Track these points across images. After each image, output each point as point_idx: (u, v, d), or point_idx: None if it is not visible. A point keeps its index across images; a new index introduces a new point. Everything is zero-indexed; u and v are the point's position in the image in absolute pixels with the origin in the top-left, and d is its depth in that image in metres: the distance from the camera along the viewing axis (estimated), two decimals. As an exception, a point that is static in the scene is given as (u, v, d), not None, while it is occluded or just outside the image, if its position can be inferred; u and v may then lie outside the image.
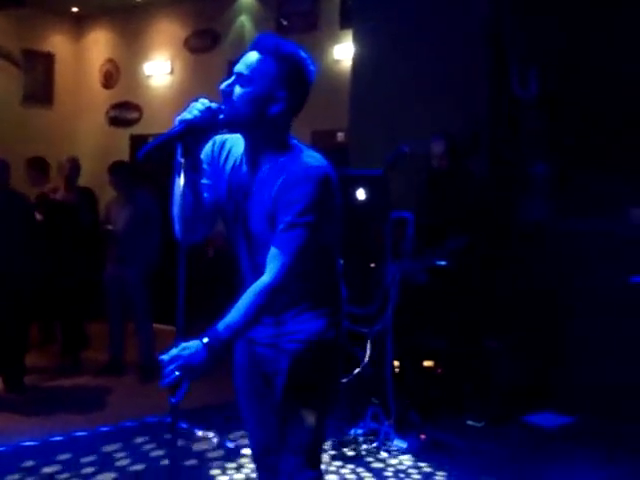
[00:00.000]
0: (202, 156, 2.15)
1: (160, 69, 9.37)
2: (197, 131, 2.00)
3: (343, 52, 7.53)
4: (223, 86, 2.07)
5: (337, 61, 7.66)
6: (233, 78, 2.07)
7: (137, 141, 9.26)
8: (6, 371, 5.35)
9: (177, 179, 2.05)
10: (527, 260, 5.03)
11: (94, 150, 9.33)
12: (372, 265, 4.86)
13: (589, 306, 4.85)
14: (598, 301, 4.78)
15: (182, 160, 2.01)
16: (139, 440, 4.34)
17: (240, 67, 2.07)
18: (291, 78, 2.06)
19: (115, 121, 9.78)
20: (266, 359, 2.26)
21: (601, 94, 4.98)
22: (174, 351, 1.96)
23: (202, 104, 2.01)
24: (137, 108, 9.56)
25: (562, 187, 5.23)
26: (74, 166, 6.24)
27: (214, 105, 2.02)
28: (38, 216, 5.76)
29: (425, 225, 4.76)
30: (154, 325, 5.97)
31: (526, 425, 4.73)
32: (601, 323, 4.79)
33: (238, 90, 2.05)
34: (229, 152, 2.21)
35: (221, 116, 2.03)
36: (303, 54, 2.10)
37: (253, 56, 2.06)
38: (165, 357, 1.96)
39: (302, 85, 2.10)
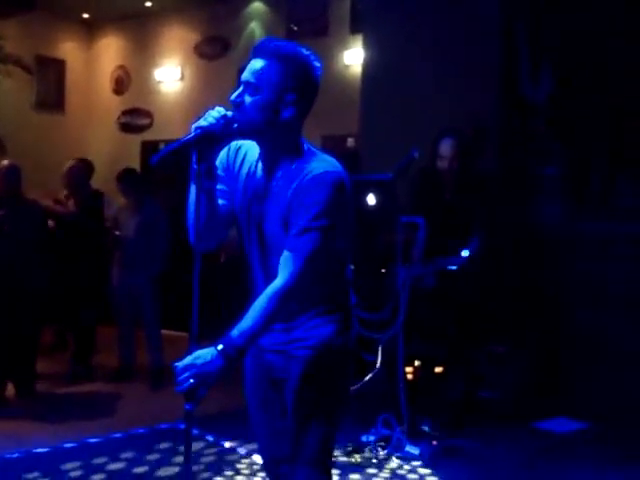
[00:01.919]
0: (217, 162, 2.16)
1: (171, 75, 9.41)
2: (212, 138, 2.00)
3: (353, 57, 7.54)
4: (233, 97, 2.07)
5: (347, 66, 7.67)
6: (241, 88, 2.07)
7: (148, 147, 9.31)
8: (17, 377, 5.35)
9: (192, 186, 2.05)
10: (539, 262, 5.00)
11: (105, 156, 9.36)
12: (382, 270, 4.85)
13: (603, 310, 4.82)
14: (613, 305, 4.75)
15: (197, 167, 2.01)
16: (151, 446, 4.33)
17: (246, 76, 2.06)
18: (297, 78, 2.05)
19: (126, 127, 9.82)
20: (275, 366, 2.25)
21: (618, 92, 4.95)
22: (188, 359, 1.96)
23: (218, 112, 2.01)
24: (148, 114, 9.61)
25: (576, 189, 5.19)
26: (72, 171, 6.14)
27: (229, 113, 2.03)
28: (50, 223, 5.77)
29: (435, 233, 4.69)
30: (166, 332, 5.96)
31: (539, 431, 4.69)
32: (616, 327, 4.76)
33: (248, 99, 2.05)
34: (244, 158, 2.21)
35: (235, 125, 2.03)
36: (305, 51, 2.08)
37: (257, 63, 2.05)
38: (179, 365, 1.96)
39: (310, 83, 2.09)
